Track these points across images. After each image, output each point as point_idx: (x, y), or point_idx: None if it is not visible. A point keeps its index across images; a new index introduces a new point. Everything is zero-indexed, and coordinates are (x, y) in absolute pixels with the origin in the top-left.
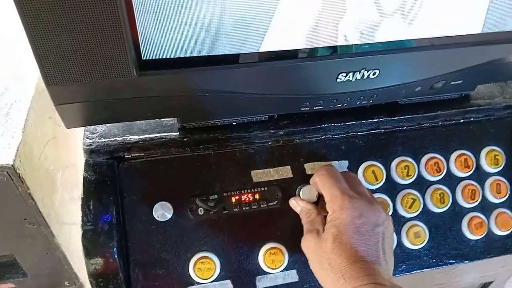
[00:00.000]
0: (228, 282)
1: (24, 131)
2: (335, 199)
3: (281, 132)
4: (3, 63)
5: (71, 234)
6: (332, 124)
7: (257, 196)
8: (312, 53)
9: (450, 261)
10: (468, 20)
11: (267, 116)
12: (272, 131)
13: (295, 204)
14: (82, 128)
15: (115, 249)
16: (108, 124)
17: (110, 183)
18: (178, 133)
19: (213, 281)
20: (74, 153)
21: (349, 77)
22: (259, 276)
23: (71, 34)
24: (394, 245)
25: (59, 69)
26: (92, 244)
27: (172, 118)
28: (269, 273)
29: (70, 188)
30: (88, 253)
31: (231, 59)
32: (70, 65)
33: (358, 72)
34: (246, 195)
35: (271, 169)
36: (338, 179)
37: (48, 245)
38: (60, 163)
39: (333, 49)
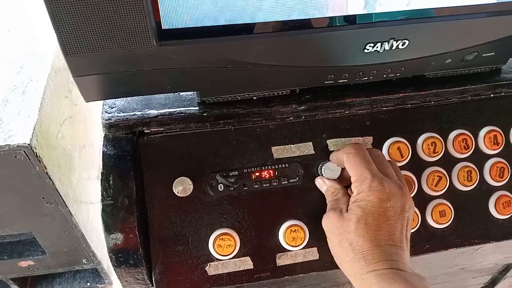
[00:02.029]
0: (248, 259)
1: (41, 110)
2: (363, 180)
3: (303, 107)
4: (19, 41)
5: (89, 213)
6: (357, 99)
7: (277, 173)
8: (338, 22)
9: (476, 241)
10: None
11: (289, 91)
12: (293, 106)
13: (321, 183)
14: (99, 107)
15: (135, 224)
16: (127, 98)
17: (130, 158)
18: (197, 108)
19: (232, 257)
20: (91, 132)
21: (377, 47)
22: (279, 254)
23: (89, 1)
24: (418, 223)
25: (78, 38)
26: (112, 219)
27: (192, 93)
28: (290, 251)
29: (88, 167)
30: (108, 228)
31: (254, 28)
32: (89, 34)
33: (387, 43)
34: (266, 171)
35: (292, 145)
36: (367, 159)
37: (66, 223)
38: (77, 142)
39: (360, 17)
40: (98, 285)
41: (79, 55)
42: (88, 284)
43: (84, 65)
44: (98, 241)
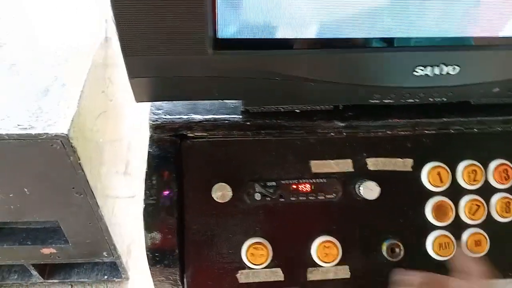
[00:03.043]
0: (279, 270)
1: (79, 103)
2: None
3: (345, 124)
4: (64, 35)
5: (114, 207)
6: (400, 120)
7: (315, 187)
8: (389, 43)
9: (509, 273)
10: None
11: (332, 106)
12: (336, 122)
13: None
14: (132, 104)
15: (175, 225)
16: (173, 102)
17: (173, 159)
18: (241, 116)
19: (264, 267)
20: (121, 128)
21: (427, 71)
22: (311, 268)
23: (154, 5)
24: (453, 251)
25: (138, 41)
26: (152, 218)
27: (236, 101)
28: (321, 266)
29: (116, 162)
30: (148, 227)
31: (307, 44)
32: (150, 38)
33: (437, 67)
34: (304, 184)
35: (331, 161)
36: None
37: (92, 215)
38: (109, 136)
39: (413, 40)
40: (115, 278)
41: (138, 57)
42: (106, 277)
43: (141, 67)
44: (120, 236)
